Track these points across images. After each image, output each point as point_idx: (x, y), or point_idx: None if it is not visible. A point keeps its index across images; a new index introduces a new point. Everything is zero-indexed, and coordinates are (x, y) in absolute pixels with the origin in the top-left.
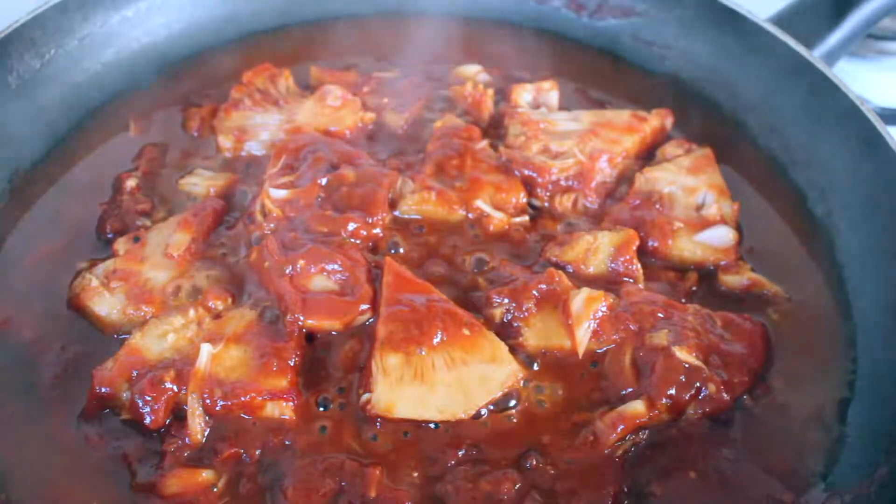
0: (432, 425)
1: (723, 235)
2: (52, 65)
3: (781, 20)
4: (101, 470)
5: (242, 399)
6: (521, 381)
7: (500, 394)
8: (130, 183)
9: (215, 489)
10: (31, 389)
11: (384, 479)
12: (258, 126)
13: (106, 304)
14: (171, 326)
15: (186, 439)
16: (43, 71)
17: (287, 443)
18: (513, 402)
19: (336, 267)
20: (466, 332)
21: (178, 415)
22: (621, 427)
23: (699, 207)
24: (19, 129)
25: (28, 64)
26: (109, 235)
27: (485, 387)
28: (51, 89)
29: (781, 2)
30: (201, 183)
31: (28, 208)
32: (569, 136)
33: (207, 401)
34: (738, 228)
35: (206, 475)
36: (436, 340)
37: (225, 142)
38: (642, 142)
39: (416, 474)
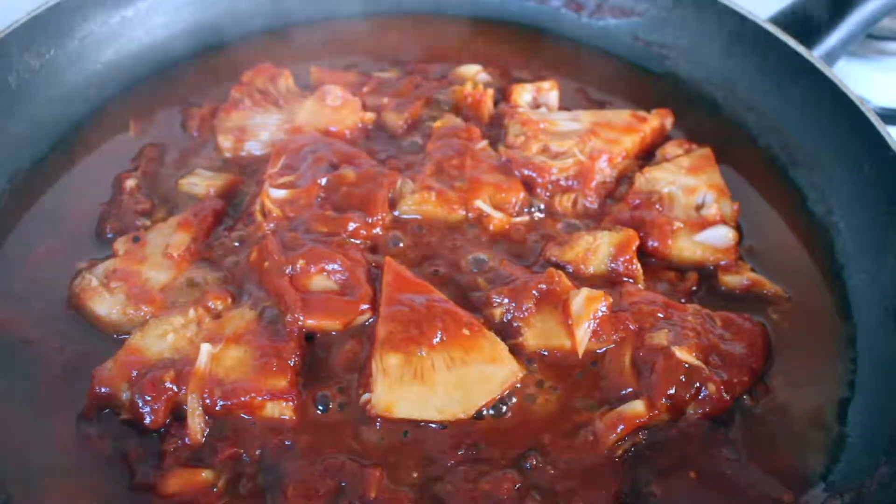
0: (432, 425)
1: (723, 235)
2: (52, 65)
3: (781, 20)
4: (101, 470)
5: (242, 399)
6: (521, 382)
7: (499, 394)
8: (130, 183)
9: (215, 489)
10: (31, 389)
11: (384, 480)
12: (258, 126)
13: (106, 304)
14: (170, 326)
15: (186, 439)
16: (43, 71)
17: (287, 443)
18: (513, 402)
19: (336, 267)
20: (466, 332)
21: (178, 415)
22: (621, 427)
23: (699, 207)
24: (19, 129)
25: (28, 64)
26: (109, 235)
27: (485, 387)
28: (51, 89)
29: (781, 2)
30: (201, 183)
31: (28, 208)
32: (569, 136)
33: (207, 401)
34: (738, 228)
35: (205, 475)
36: (436, 340)
37: (225, 142)
38: (642, 142)
39: (415, 475)
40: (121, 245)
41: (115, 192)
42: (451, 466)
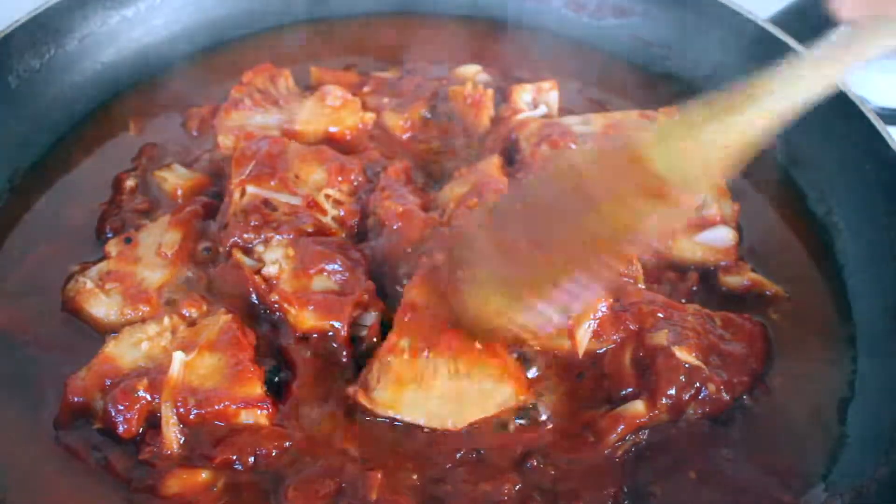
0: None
1: (723, 236)
2: (52, 65)
3: (781, 20)
4: (100, 472)
5: (216, 407)
6: (523, 403)
7: (493, 413)
8: (130, 183)
9: (214, 489)
10: (30, 391)
11: (385, 482)
12: (258, 126)
13: (103, 306)
14: (144, 334)
15: (165, 450)
16: (43, 71)
17: (287, 444)
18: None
19: (336, 267)
20: (479, 345)
21: (153, 423)
22: (621, 427)
23: (699, 208)
24: (19, 129)
25: (28, 64)
26: (109, 235)
27: (481, 404)
28: (51, 89)
29: (781, 2)
30: (171, 179)
31: (28, 208)
32: (584, 140)
33: (181, 409)
34: (738, 228)
35: (205, 475)
36: (444, 346)
37: (225, 141)
38: None
39: (415, 476)
40: (112, 247)
41: (114, 192)
42: (451, 468)
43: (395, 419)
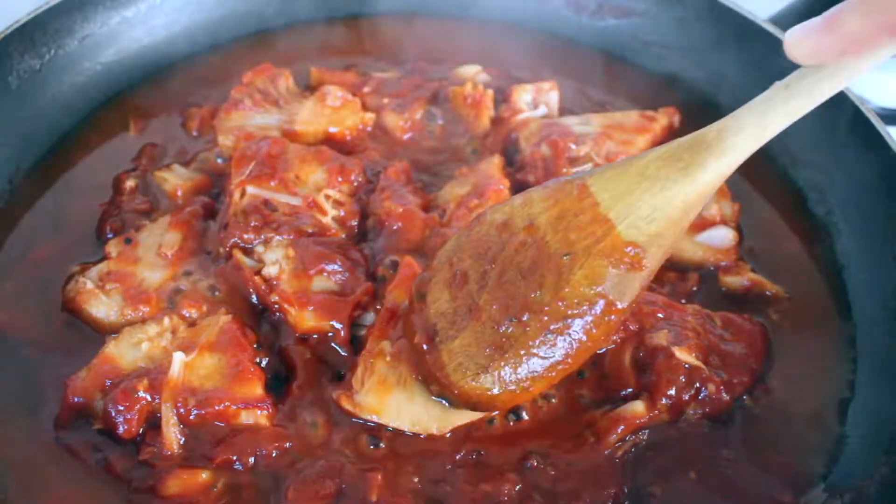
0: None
1: (723, 236)
2: (52, 65)
3: (781, 20)
4: (100, 472)
5: (216, 408)
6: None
7: (479, 417)
8: (130, 183)
9: (214, 489)
10: (30, 391)
11: (385, 483)
12: (258, 126)
13: (103, 306)
14: (145, 335)
15: (165, 450)
16: (43, 71)
17: (287, 445)
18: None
19: (336, 267)
20: None
21: (153, 423)
22: (621, 427)
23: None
24: (19, 129)
25: (28, 64)
26: (109, 235)
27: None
28: (51, 89)
29: (781, 2)
30: (172, 180)
31: (28, 208)
32: (584, 141)
33: (181, 410)
34: (739, 229)
35: (205, 476)
36: (427, 347)
37: (225, 141)
38: (654, 141)
39: (416, 479)
40: (113, 247)
41: (114, 192)
42: (450, 469)
43: (380, 424)
